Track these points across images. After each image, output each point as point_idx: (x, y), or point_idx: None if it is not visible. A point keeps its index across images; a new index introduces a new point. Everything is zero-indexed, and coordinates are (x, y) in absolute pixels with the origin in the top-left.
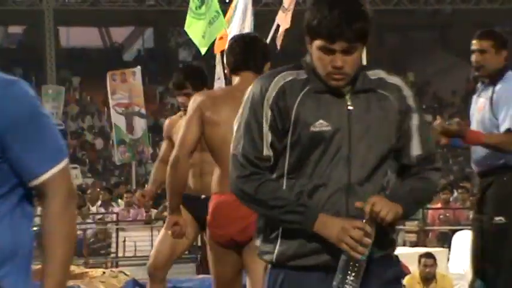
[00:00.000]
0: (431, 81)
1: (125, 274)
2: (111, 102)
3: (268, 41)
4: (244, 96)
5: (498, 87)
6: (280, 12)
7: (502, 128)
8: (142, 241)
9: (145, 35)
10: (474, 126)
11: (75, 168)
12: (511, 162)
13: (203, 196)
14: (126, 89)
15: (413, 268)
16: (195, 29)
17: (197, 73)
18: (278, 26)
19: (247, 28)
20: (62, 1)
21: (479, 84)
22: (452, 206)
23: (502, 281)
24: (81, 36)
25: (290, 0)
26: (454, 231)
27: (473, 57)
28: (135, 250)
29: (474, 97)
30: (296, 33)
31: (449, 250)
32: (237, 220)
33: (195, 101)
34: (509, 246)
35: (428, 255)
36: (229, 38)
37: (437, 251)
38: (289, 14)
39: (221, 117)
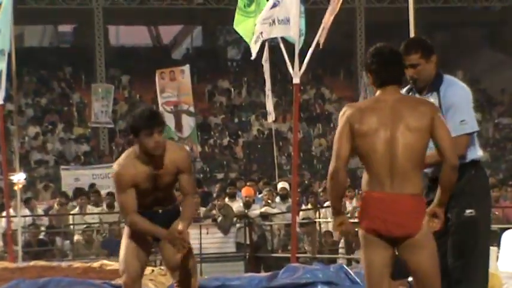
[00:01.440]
0: (481, 79)
1: None
2: (160, 101)
3: (316, 40)
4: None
5: (444, 92)
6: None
7: (454, 133)
8: (190, 239)
9: (194, 33)
10: None
11: None
12: (474, 156)
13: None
14: (174, 87)
15: None
16: (244, 27)
17: None
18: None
19: (296, 26)
20: (111, 0)
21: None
22: (502, 204)
23: (472, 271)
24: (131, 35)
25: None
26: (503, 230)
27: (407, 72)
28: None
29: None
30: (345, 32)
31: (499, 248)
32: (389, 214)
33: (344, 114)
34: (479, 237)
35: None
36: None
37: None
38: (332, 11)
39: (370, 127)
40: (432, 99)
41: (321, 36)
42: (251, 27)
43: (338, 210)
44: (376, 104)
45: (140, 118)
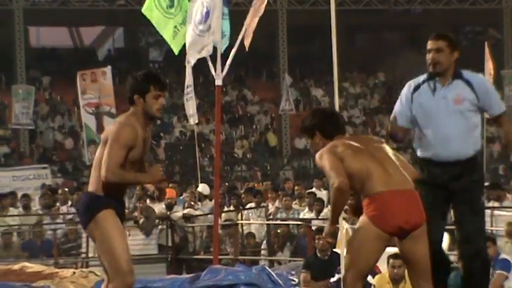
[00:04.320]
0: (402, 81)
1: (95, 274)
2: (81, 102)
3: (239, 41)
4: None
5: (473, 80)
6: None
7: (500, 111)
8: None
9: (115, 34)
10: (446, 118)
11: (45, 168)
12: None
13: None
14: (96, 88)
15: (385, 268)
16: (167, 28)
17: None
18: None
19: (218, 29)
20: (31, 1)
21: (426, 85)
22: None
23: None
24: (51, 36)
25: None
26: None
27: (430, 56)
28: None
29: (426, 93)
30: (267, 34)
31: None
32: (410, 207)
33: (323, 151)
34: None
35: (396, 256)
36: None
37: None
38: (255, 13)
39: (351, 149)
40: (456, 85)
41: (245, 37)
42: (171, 29)
43: (336, 221)
44: (340, 143)
45: (151, 78)
